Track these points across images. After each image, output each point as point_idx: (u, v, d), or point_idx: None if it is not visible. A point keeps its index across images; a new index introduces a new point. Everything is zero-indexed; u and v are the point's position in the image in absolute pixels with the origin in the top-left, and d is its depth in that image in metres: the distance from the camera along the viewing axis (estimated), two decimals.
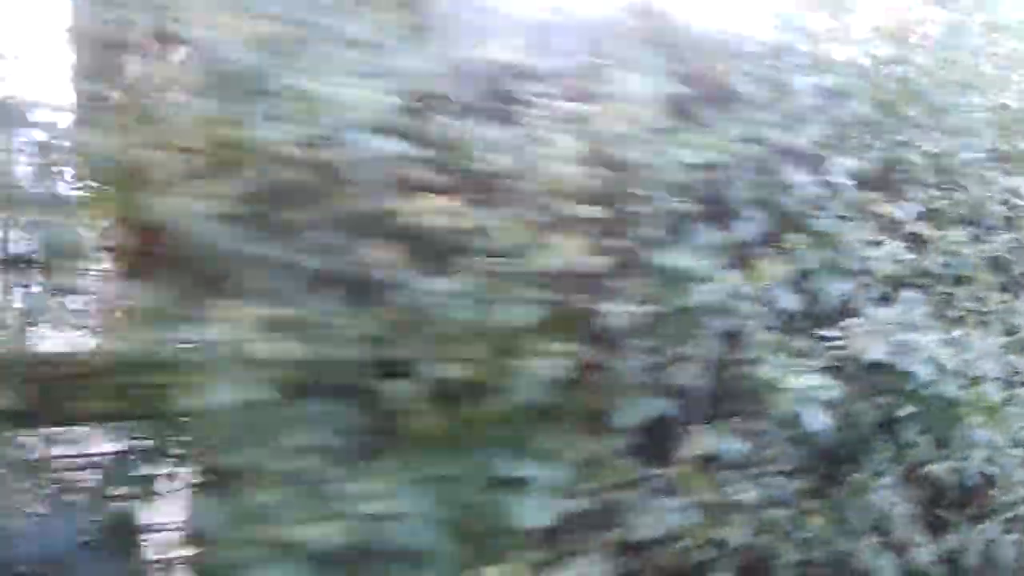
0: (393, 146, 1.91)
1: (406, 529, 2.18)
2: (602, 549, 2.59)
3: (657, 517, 2.51)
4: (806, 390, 2.67)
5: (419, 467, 2.24)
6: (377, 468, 2.14)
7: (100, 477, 1.73)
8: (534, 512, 2.33)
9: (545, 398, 2.39)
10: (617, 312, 2.46)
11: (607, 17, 2.47)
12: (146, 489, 1.81)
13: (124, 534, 1.73)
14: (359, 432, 2.10)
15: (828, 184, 2.94)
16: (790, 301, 2.86)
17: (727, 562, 2.93)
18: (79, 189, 1.66)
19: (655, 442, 2.62)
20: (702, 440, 2.49)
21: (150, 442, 1.83)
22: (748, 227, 2.74)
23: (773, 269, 2.72)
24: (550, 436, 2.43)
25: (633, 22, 2.48)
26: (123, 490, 1.77)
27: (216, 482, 1.86)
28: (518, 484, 2.37)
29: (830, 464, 3.30)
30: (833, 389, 2.75)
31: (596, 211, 2.39)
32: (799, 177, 2.81)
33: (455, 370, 2.22)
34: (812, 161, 2.88)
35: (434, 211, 2.13)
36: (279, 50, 1.75)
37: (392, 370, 2.16)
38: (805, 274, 2.95)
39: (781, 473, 3.09)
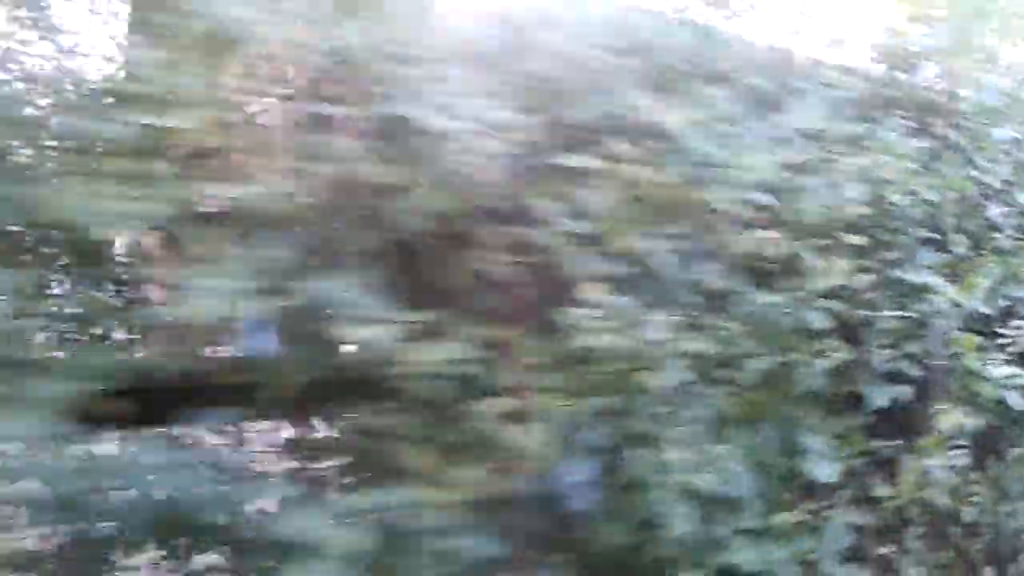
0: (766, 198, 2.62)
1: (735, 482, 2.88)
2: (848, 504, 3.31)
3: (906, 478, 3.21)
4: (1006, 378, 3.38)
5: (740, 436, 2.94)
6: (720, 436, 2.84)
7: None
8: (824, 472, 3.03)
9: (822, 385, 3.10)
10: (872, 318, 3.17)
11: (870, 89, 3.18)
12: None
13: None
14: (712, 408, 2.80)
15: (1009, 212, 3.64)
16: (981, 306, 3.57)
17: (924, 519, 3.65)
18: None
19: (895, 420, 3.32)
20: (947, 417, 3.19)
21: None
22: (957, 249, 3.45)
23: (976, 282, 3.43)
24: (823, 414, 3.14)
25: (886, 91, 3.18)
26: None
27: (642, 442, 2.56)
28: (804, 451, 3.08)
29: (991, 440, 4.02)
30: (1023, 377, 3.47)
31: (860, 239, 3.11)
32: (992, 208, 3.52)
33: (769, 362, 2.93)
34: (1000, 195, 3.58)
35: (764, 243, 2.83)
36: (707, 131, 2.45)
37: (727, 362, 2.86)
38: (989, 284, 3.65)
39: (961, 447, 3.81)
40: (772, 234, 2.85)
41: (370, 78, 1.86)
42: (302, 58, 1.87)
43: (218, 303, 1.66)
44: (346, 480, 2.15)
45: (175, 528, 1.74)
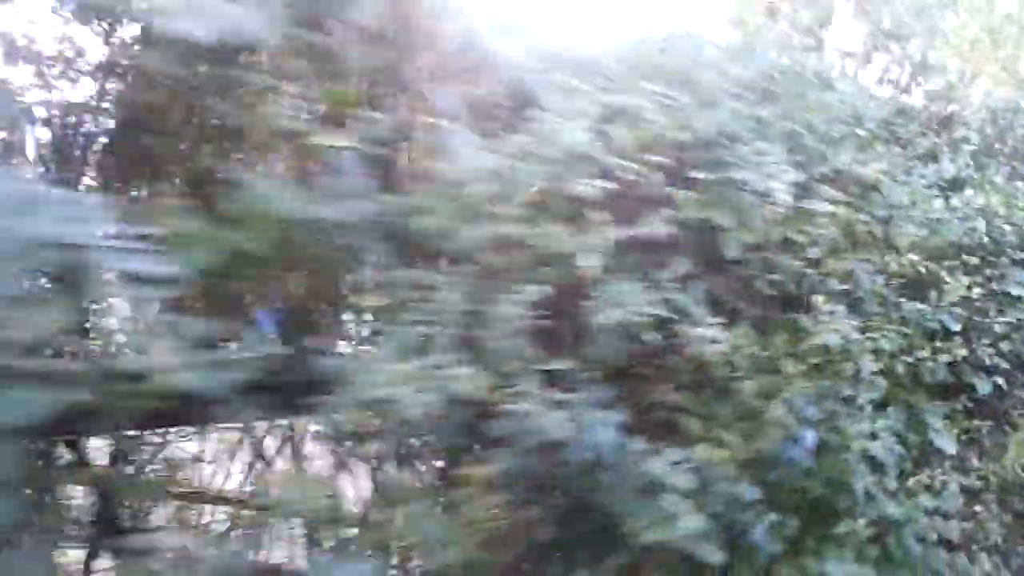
0: (923, 230, 3.41)
1: (887, 450, 3.68)
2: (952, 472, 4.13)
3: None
4: None
5: (888, 414, 3.74)
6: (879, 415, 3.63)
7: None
8: (947, 444, 3.85)
9: (943, 375, 3.91)
10: (981, 322, 3.99)
11: (984, 141, 3.99)
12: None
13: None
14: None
15: None
16: None
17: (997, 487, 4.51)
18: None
19: (986, 405, 4.16)
20: None
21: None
22: None
23: None
24: (941, 398, 3.96)
25: (995, 144, 4.01)
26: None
27: (837, 417, 3.34)
28: (929, 427, 3.89)
29: None
30: None
31: (975, 260, 3.93)
32: None
33: (914, 357, 3.74)
34: None
35: (916, 263, 3.64)
36: (893, 180, 3.23)
37: (889, 355, 3.65)
38: None
39: None
40: (916, 256, 3.65)
41: (712, 151, 2.60)
42: (671, 136, 2.60)
43: (626, 310, 2.38)
44: (662, 439, 2.88)
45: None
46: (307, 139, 2.27)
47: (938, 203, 3.39)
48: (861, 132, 3.22)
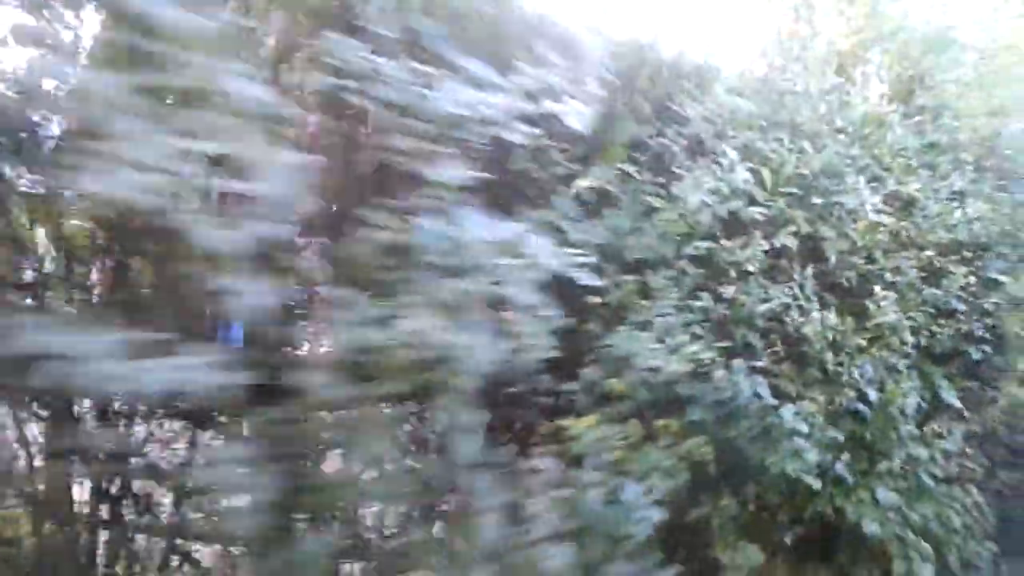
0: (945, 232, 4.44)
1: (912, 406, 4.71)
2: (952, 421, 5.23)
3: None
4: None
5: (913, 378, 4.77)
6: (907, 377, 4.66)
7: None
8: (953, 400, 4.92)
9: (948, 346, 4.98)
10: (974, 302, 5.07)
11: (977, 161, 5.06)
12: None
13: None
14: None
15: None
16: None
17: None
18: None
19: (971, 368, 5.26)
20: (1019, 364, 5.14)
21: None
22: (1012, 259, 5.39)
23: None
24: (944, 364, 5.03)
25: (985, 161, 5.08)
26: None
27: (885, 379, 4.34)
28: (939, 386, 4.95)
29: None
30: None
31: (971, 254, 5.00)
32: None
33: (933, 331, 4.78)
34: None
35: (931, 258, 4.67)
36: (927, 196, 4.23)
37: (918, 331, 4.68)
38: None
39: None
40: (932, 252, 4.69)
41: (821, 181, 3.53)
42: (796, 172, 3.51)
43: (770, 302, 3.30)
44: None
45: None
46: (573, 182, 3.12)
47: (958, 213, 4.42)
48: (906, 161, 4.21)
